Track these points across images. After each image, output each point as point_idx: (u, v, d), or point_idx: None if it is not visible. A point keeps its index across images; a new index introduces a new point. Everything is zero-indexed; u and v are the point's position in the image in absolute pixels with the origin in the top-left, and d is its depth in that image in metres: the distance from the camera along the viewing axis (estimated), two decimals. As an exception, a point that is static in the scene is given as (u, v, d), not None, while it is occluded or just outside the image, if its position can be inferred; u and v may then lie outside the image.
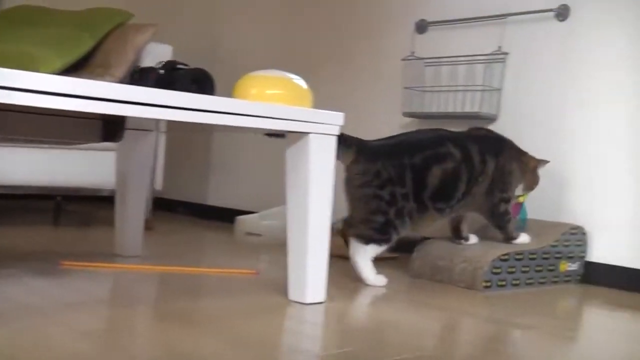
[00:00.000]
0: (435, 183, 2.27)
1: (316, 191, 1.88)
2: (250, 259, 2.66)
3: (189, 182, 4.38)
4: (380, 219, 2.22)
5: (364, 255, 2.25)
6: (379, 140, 2.31)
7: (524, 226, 2.62)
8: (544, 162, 2.54)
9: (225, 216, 3.97)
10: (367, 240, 2.24)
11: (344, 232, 2.36)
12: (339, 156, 2.13)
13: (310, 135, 1.85)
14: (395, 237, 2.26)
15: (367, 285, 2.26)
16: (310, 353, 1.42)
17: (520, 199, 2.61)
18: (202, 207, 4.26)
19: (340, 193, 3.18)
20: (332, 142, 1.92)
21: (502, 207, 2.43)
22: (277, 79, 1.92)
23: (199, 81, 1.94)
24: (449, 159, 2.29)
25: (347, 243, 2.32)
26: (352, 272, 2.32)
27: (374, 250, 2.24)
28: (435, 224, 2.41)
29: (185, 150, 4.42)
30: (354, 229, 2.26)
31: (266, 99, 1.87)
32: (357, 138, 2.24)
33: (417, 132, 2.40)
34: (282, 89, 1.90)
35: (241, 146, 4.05)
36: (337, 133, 1.92)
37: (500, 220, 2.45)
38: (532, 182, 2.53)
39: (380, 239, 2.23)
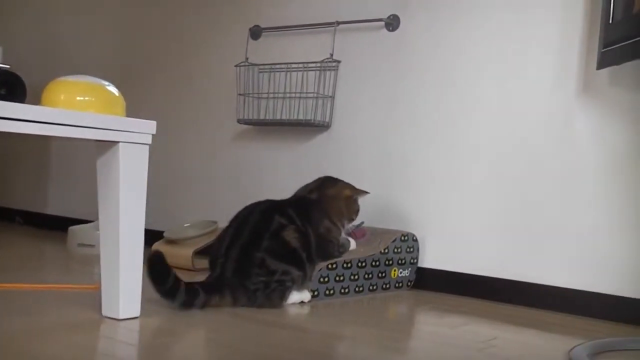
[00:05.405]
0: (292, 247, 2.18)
1: (128, 202, 1.81)
2: (79, 273, 2.55)
3: (27, 190, 4.17)
4: (283, 289, 2.15)
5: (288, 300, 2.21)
6: (224, 250, 2.16)
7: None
8: (362, 192, 2.45)
9: (66, 225, 3.80)
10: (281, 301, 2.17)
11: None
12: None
13: (120, 144, 1.78)
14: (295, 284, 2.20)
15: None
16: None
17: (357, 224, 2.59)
18: (41, 216, 4.07)
19: (155, 202, 3.07)
20: (145, 152, 1.85)
21: (341, 250, 2.40)
22: (88, 85, 1.83)
23: (8, 85, 1.84)
24: (284, 230, 2.17)
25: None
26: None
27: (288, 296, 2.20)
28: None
29: (23, 156, 4.21)
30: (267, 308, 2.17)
31: (75, 106, 1.78)
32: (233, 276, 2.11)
33: (247, 211, 2.24)
34: (92, 96, 1.82)
35: (81, 151, 3.89)
36: (149, 142, 1.86)
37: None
38: (351, 212, 2.41)
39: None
